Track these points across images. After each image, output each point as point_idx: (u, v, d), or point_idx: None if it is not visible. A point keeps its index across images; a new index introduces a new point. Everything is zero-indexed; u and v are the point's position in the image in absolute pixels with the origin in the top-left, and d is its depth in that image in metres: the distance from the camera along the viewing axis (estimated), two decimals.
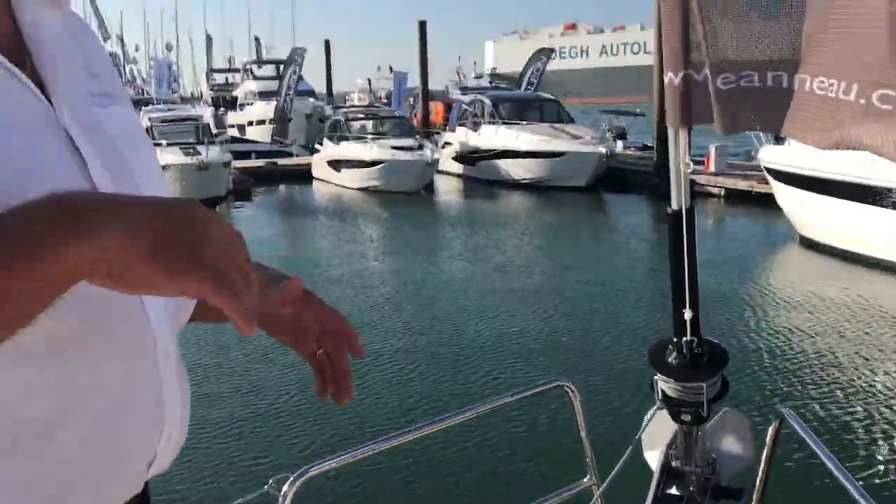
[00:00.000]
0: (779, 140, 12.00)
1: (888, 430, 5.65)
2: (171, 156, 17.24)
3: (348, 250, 13.72)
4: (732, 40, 1.48)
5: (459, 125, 24.12)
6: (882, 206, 10.35)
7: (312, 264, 12.31)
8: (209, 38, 65.42)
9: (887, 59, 1.23)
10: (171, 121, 20.26)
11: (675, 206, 1.70)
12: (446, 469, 5.17)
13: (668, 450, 1.79)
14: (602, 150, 19.23)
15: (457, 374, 7.10)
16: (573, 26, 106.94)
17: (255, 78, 39.43)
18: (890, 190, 10.16)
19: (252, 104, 36.24)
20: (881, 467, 5.08)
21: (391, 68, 40.75)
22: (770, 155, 12.69)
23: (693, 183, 1.77)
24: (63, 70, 0.75)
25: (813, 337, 7.88)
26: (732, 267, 11.03)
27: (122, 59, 63.90)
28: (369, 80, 47.26)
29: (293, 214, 19.14)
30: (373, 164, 20.29)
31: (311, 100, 33.82)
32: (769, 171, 12.88)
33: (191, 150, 17.97)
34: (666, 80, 1.59)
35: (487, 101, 23.32)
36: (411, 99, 34.19)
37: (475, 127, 22.96)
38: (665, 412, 1.76)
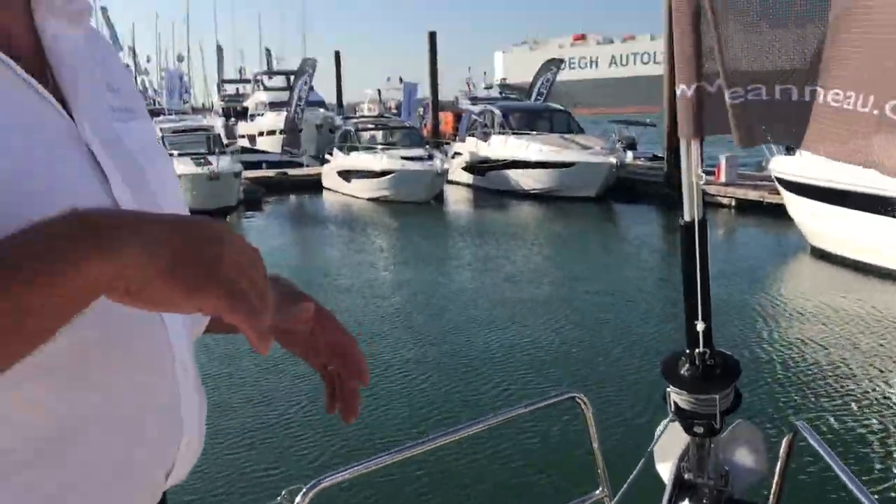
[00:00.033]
0: (790, 150, 11.96)
1: None
2: (182, 166, 17.33)
3: (358, 260, 13.75)
4: (745, 51, 1.48)
5: (469, 135, 24.16)
6: (895, 216, 10.30)
7: (322, 274, 12.34)
8: (220, 49, 65.84)
9: None
10: (183, 131, 20.39)
11: (687, 217, 1.70)
12: (459, 480, 5.16)
13: (680, 462, 1.79)
14: (612, 160, 19.22)
15: (468, 384, 7.09)
16: (582, 37, 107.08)
17: (266, 89, 39.69)
18: None
19: (263, 115, 36.46)
20: None
21: (401, 79, 40.91)
22: (781, 165, 12.65)
23: (703, 193, 1.77)
24: (84, 85, 0.76)
25: (826, 348, 7.82)
26: (744, 277, 10.99)
27: (133, 70, 64.40)
28: (379, 91, 47.51)
29: (303, 224, 19.20)
30: (383, 174, 20.34)
31: (322, 110, 34.02)
32: (780, 181, 12.83)
33: (202, 161, 18.06)
34: (678, 91, 1.59)
35: (497, 112, 23.36)
36: (421, 109, 34.29)
37: (485, 137, 23.00)
38: (677, 424, 1.75)
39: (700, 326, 1.69)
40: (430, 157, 20.36)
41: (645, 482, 1.71)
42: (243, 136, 33.96)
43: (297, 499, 1.57)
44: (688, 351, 1.72)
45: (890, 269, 10.47)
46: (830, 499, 4.13)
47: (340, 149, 22.79)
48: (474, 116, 24.65)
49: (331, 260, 14.18)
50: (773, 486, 1.82)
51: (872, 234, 10.66)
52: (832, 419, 5.98)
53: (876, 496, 1.57)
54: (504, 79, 73.64)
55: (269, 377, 7.10)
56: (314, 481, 1.60)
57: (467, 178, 23.41)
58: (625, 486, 1.68)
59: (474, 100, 34.16)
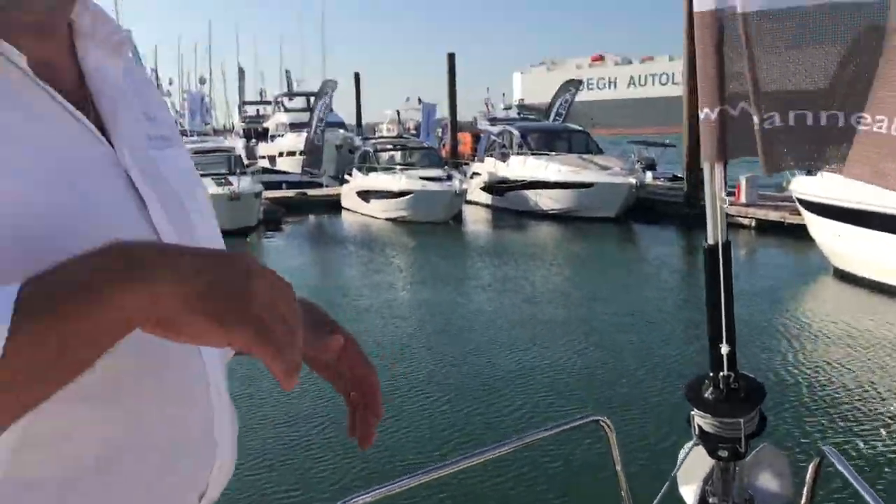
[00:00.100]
0: (810, 171, 11.87)
1: None
2: None
3: (377, 280, 13.78)
4: (776, 76, 1.48)
5: (488, 156, 24.22)
6: None
7: (341, 294, 12.37)
8: (241, 71, 66.62)
9: None
10: (204, 152, 20.59)
11: (710, 240, 1.70)
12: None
13: (704, 486, 1.77)
14: (631, 180, 19.18)
15: (489, 406, 7.05)
16: (601, 58, 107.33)
17: (286, 110, 40.10)
18: None
19: (283, 136, 36.79)
20: None
21: (420, 100, 41.14)
22: (802, 186, 12.57)
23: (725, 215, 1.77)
24: (123, 114, 0.78)
25: (853, 371, 7.71)
26: (765, 299, 10.89)
27: None
28: (398, 112, 47.76)
29: (322, 244, 19.29)
30: (401, 194, 20.43)
31: (341, 131, 34.25)
32: (801, 202, 12.74)
33: (223, 181, 18.23)
34: (702, 115, 1.60)
35: (516, 132, 23.42)
36: (440, 130, 34.45)
37: (503, 157, 23.04)
38: (702, 448, 1.74)
39: (724, 349, 1.69)
40: (449, 178, 20.42)
41: None
42: (264, 157, 34.26)
43: None
44: (712, 374, 1.71)
45: None
46: None
47: (359, 169, 22.93)
48: (493, 137, 24.72)
49: (350, 280, 14.23)
50: None
51: None
52: (860, 443, 5.88)
53: None
54: (522, 99, 73.82)
55: (290, 398, 7.10)
56: None
57: (486, 198, 23.44)
58: None
59: (493, 120, 34.30)
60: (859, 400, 6.88)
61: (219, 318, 0.58)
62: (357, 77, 46.77)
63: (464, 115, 36.46)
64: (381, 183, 21.25)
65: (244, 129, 41.91)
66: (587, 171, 20.32)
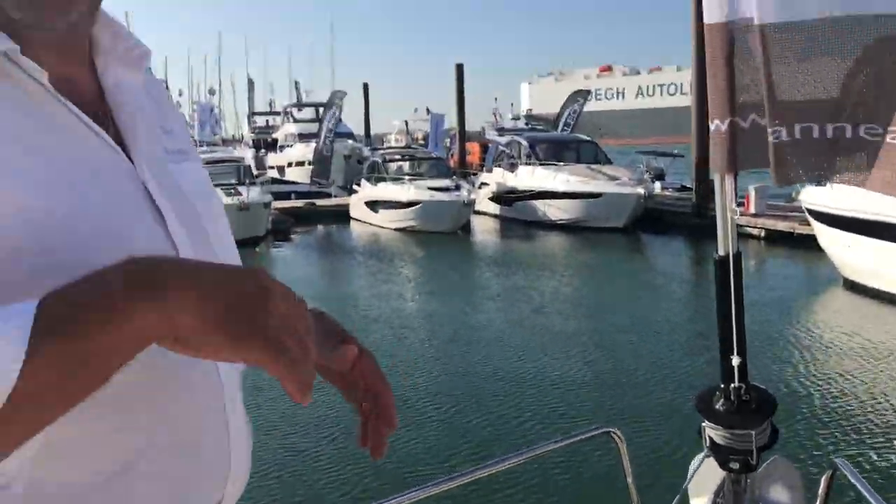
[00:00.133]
0: (819, 182, 11.81)
1: None
2: None
3: (385, 290, 13.78)
4: (792, 88, 1.49)
5: (496, 166, 24.24)
6: None
7: (350, 304, 12.38)
8: (251, 82, 67.02)
9: None
10: (213, 162, 20.69)
11: (721, 251, 1.70)
12: None
13: (715, 498, 1.76)
14: (640, 190, 19.16)
15: (499, 416, 7.03)
16: (609, 68, 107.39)
17: (295, 121, 40.30)
18: None
19: (292, 146, 36.93)
20: None
21: (428, 110, 41.25)
22: (812, 196, 12.52)
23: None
24: (141, 128, 0.80)
25: (865, 383, 7.65)
26: (775, 309, 10.84)
27: None
28: (406, 122, 47.86)
29: (331, 254, 19.32)
30: (410, 204, 20.46)
31: (350, 141, 34.36)
32: (811, 212, 12.69)
33: (232, 191, 18.31)
34: (712, 127, 1.60)
35: (524, 142, 23.45)
36: (448, 140, 34.52)
37: (512, 168, 23.06)
38: (713, 460, 1.74)
39: (735, 361, 1.69)
40: (457, 188, 20.44)
41: None
42: (273, 167, 34.39)
43: None
44: (723, 385, 1.71)
45: None
46: None
47: (368, 179, 22.99)
48: (501, 147, 24.74)
49: (358, 290, 14.24)
50: None
51: None
52: (874, 456, 5.83)
53: None
54: (530, 109, 73.89)
55: (299, 409, 7.09)
56: None
57: (494, 208, 23.45)
58: None
59: (501, 130, 34.32)
60: (872, 412, 6.82)
61: (234, 336, 0.59)
62: (366, 87, 46.95)
63: (472, 126, 36.52)
64: (390, 193, 21.30)
65: (253, 140, 42.14)
66: (596, 181, 20.31)
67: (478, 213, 22.34)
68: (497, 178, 23.56)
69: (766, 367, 7.99)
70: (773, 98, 1.49)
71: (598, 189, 19.96)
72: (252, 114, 55.96)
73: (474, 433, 6.71)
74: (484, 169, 26.14)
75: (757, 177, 16.49)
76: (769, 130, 1.49)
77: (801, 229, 15.61)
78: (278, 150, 37.83)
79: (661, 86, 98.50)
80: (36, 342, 0.53)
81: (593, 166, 21.38)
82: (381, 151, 27.41)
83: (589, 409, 7.15)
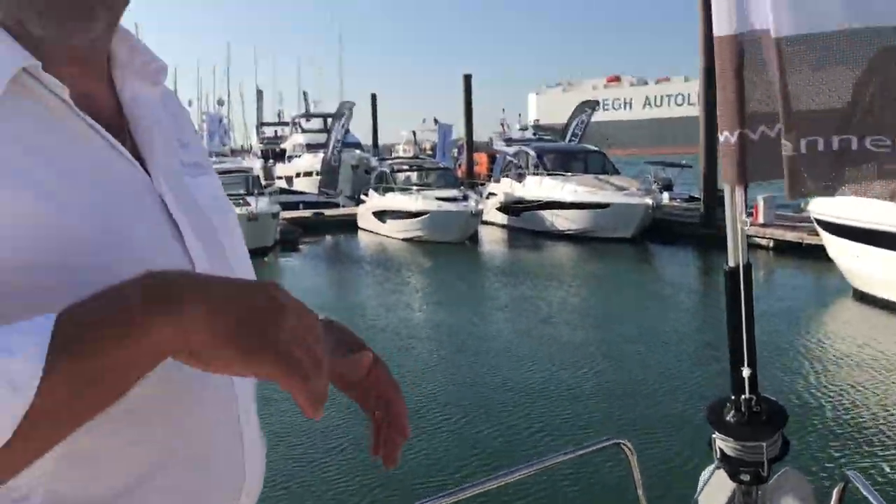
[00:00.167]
0: (829, 193, 11.77)
1: None
2: None
3: (393, 300, 13.79)
4: (800, 97, 1.49)
5: (504, 176, 24.27)
6: None
7: (358, 314, 12.38)
8: (260, 93, 67.41)
9: None
10: (222, 172, 20.77)
11: (731, 262, 1.70)
12: None
13: None
14: (648, 201, 19.14)
15: (508, 428, 7.01)
16: (616, 78, 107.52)
17: (304, 131, 40.43)
18: None
19: (300, 156, 37.05)
20: None
21: (436, 120, 41.32)
22: (821, 207, 12.48)
23: None
24: (159, 142, 0.80)
25: (877, 395, 7.59)
26: (784, 320, 10.79)
27: None
28: (414, 133, 47.94)
29: (339, 264, 19.35)
30: (417, 214, 20.49)
31: (358, 151, 34.43)
32: (820, 222, 12.65)
33: (240, 202, 18.34)
34: (721, 138, 1.61)
35: (532, 153, 23.47)
36: (456, 150, 34.56)
37: (519, 178, 23.08)
38: (723, 472, 1.73)
39: (746, 372, 1.68)
40: (465, 198, 20.47)
41: None
42: (281, 178, 34.52)
43: None
44: (733, 397, 1.71)
45: None
46: None
47: (376, 189, 23.04)
48: (509, 157, 24.78)
49: (366, 300, 14.25)
50: None
51: None
52: (886, 468, 5.78)
53: None
54: (538, 120, 73.98)
55: (308, 420, 7.08)
56: None
57: (502, 218, 23.46)
58: None
59: (509, 141, 34.34)
60: (884, 423, 6.77)
61: (245, 350, 0.59)
62: (374, 98, 47.16)
63: (480, 136, 36.52)
64: (398, 203, 21.33)
65: (262, 150, 42.30)
66: (603, 191, 20.30)
67: (485, 223, 22.35)
68: (505, 188, 23.58)
69: (776, 379, 7.94)
70: (789, 109, 1.49)
71: (605, 199, 19.95)
72: (261, 124, 56.23)
73: (484, 444, 6.68)
74: (492, 179, 26.17)
75: (765, 187, 16.45)
76: (783, 142, 1.50)
77: (809, 239, 15.56)
78: (287, 161, 37.96)
79: (668, 96, 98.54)
80: (53, 358, 0.53)
81: (601, 177, 21.38)
82: (389, 162, 27.47)
83: (598, 421, 7.12)
